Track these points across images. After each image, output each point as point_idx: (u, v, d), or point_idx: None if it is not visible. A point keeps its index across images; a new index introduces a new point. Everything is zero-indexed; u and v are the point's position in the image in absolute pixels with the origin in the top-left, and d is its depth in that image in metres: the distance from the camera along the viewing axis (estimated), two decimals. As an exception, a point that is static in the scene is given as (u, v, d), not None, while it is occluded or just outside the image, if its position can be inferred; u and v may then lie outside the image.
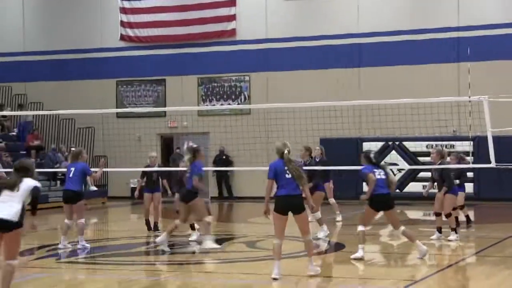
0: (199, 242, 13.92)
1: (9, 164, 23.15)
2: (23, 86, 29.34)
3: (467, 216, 16.04)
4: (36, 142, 26.82)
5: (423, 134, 23.07)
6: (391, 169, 24.21)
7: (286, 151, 10.23)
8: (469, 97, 14.58)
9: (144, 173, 15.96)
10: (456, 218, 15.96)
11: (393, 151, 24.71)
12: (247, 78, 27.09)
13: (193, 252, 13.41)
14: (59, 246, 13.64)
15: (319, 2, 26.32)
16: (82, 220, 13.66)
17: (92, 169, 14.52)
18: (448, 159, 15.01)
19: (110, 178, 27.59)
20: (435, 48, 24.83)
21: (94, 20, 28.70)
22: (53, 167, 24.55)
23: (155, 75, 28.09)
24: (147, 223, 16.03)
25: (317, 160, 17.63)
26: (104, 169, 26.65)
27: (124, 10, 28.39)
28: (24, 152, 26.32)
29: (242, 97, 27.09)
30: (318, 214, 14.58)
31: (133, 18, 28.27)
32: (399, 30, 25.28)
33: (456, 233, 14.15)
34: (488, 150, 14.16)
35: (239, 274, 11.20)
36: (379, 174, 11.97)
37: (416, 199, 23.20)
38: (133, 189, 20.68)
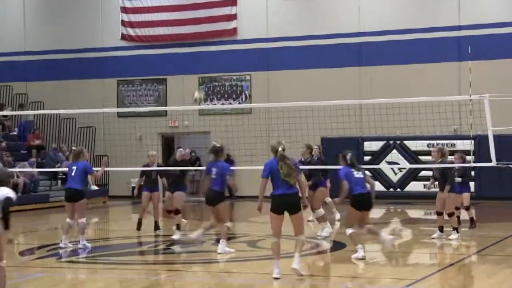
0: (180, 242, 13.95)
1: (10, 164, 23.21)
2: (24, 85, 29.34)
3: (471, 218, 15.97)
4: (37, 142, 26.83)
5: (424, 133, 23.06)
6: (392, 167, 24.29)
7: (280, 149, 10.13)
8: (470, 96, 14.57)
9: (143, 172, 15.89)
10: (458, 217, 15.94)
11: (394, 150, 24.71)
12: (248, 77, 27.08)
13: (174, 252, 13.42)
14: (60, 245, 13.63)
15: (319, 1, 26.31)
16: (83, 220, 13.65)
17: (94, 168, 14.51)
18: (452, 158, 14.97)
19: (111, 178, 27.59)
20: (436, 47, 24.82)
21: (95, 19, 28.70)
22: (54, 167, 24.57)
23: (156, 75, 28.09)
24: (139, 222, 15.82)
25: (316, 158, 17.62)
26: (105, 169, 26.80)
27: (125, 10, 28.39)
28: (25, 151, 26.34)
29: (243, 96, 27.09)
30: (321, 211, 14.55)
31: (134, 18, 28.27)
32: (400, 29, 25.27)
33: (458, 232, 14.13)
34: (489, 149, 14.14)
35: (240, 274, 11.19)
36: (357, 173, 12.02)
37: (417, 198, 23.25)
38: (134, 189, 20.66)
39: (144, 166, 15.98)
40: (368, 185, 12.11)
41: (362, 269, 11.52)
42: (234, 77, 27.23)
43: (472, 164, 15.53)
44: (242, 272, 11.41)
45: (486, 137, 14.25)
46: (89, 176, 15.77)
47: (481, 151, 20.27)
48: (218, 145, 13.01)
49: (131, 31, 28.34)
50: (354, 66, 25.73)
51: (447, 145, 22.82)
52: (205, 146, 28.18)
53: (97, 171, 14.50)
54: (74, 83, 28.71)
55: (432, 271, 11.08)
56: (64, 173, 22.90)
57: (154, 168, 15.82)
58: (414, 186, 24.28)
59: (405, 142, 24.53)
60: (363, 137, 24.88)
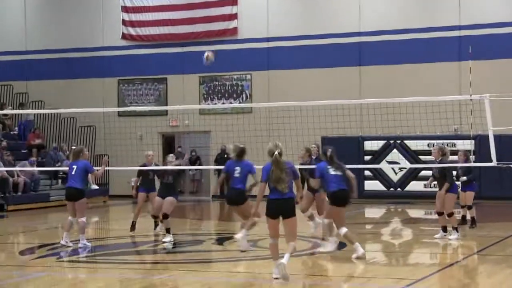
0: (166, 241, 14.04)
1: (11, 163, 23.23)
2: (24, 84, 29.35)
3: (473, 218, 15.96)
4: (38, 141, 26.84)
5: (424, 133, 23.07)
6: (393, 166, 24.30)
7: (276, 152, 9.95)
8: (471, 95, 14.58)
9: (139, 172, 15.77)
10: (463, 216, 15.91)
11: (395, 150, 24.71)
12: (248, 76, 27.08)
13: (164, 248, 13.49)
14: (61, 242, 13.62)
15: (320, 1, 26.31)
16: (83, 219, 13.65)
17: (95, 168, 14.51)
18: (453, 157, 14.97)
19: (112, 177, 27.59)
20: (437, 46, 24.82)
21: (96, 18, 28.70)
22: (54, 166, 24.58)
23: (156, 74, 28.09)
24: (133, 224, 15.58)
25: (314, 157, 17.61)
26: (106, 168, 26.81)
27: (125, 9, 28.39)
28: (26, 150, 26.35)
29: (244, 95, 27.09)
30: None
31: (135, 17, 28.28)
32: (400, 29, 25.27)
33: (457, 232, 14.13)
34: (490, 149, 14.13)
35: (240, 273, 11.19)
36: (334, 171, 12.13)
37: (418, 197, 23.24)
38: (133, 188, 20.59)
39: (141, 166, 15.85)
40: (348, 182, 12.27)
41: (362, 269, 11.51)
42: (235, 77, 27.23)
43: (473, 164, 15.52)
44: (243, 271, 11.41)
45: (487, 137, 14.24)
46: (89, 175, 15.72)
47: (481, 151, 20.27)
48: (241, 145, 12.94)
49: (131, 31, 28.34)
50: (355, 65, 25.73)
51: (447, 144, 22.83)
52: (205, 146, 28.22)
53: (97, 170, 14.48)
54: (75, 82, 28.72)
55: (432, 271, 11.07)
56: (64, 172, 22.90)
57: (152, 167, 15.68)
58: (415, 186, 24.28)
59: (406, 141, 24.53)
60: (364, 136, 24.88)
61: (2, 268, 11.71)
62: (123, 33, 28.42)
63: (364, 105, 22.86)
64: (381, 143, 24.85)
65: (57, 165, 24.95)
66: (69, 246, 13.55)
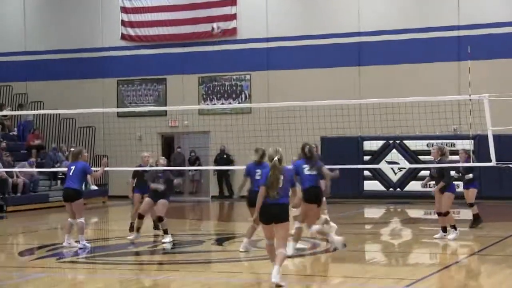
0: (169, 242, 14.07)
1: (10, 164, 23.22)
2: (23, 85, 29.34)
3: (475, 216, 15.93)
4: (37, 142, 26.83)
5: (423, 133, 23.07)
6: (392, 166, 24.30)
7: (276, 158, 9.85)
8: (470, 95, 14.56)
9: (135, 173, 15.70)
10: (477, 214, 15.78)
11: (394, 150, 24.70)
12: (247, 77, 27.08)
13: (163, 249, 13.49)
14: (64, 244, 13.63)
15: (319, 1, 26.31)
16: (82, 219, 13.64)
17: (93, 169, 14.49)
18: (453, 157, 14.94)
19: (111, 178, 27.58)
20: (436, 46, 24.82)
21: (95, 19, 28.69)
22: (53, 167, 24.57)
23: (156, 74, 28.08)
24: (131, 226, 15.42)
25: None
26: (105, 169, 26.77)
27: (125, 9, 28.38)
28: (25, 151, 26.35)
29: (243, 96, 27.09)
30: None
31: (134, 17, 28.27)
32: (399, 29, 25.27)
33: (456, 229, 14.11)
34: (489, 149, 14.13)
35: (240, 274, 11.19)
36: (309, 170, 12.16)
37: (417, 198, 23.22)
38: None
39: (137, 167, 15.78)
40: (324, 180, 12.36)
41: (361, 269, 11.52)
42: (234, 77, 27.23)
43: (472, 164, 15.50)
44: (242, 272, 11.41)
45: (486, 137, 14.24)
46: (88, 176, 15.69)
47: (480, 151, 20.25)
48: (263, 148, 12.94)
49: (131, 31, 28.34)
50: (354, 65, 25.73)
51: (447, 144, 22.84)
52: (204, 146, 28.22)
53: (96, 171, 14.45)
54: (74, 83, 28.71)
55: (432, 271, 11.07)
56: (63, 173, 22.90)
57: (147, 168, 15.57)
58: (414, 186, 24.25)
59: (405, 141, 24.52)
60: (363, 136, 24.87)
61: (2, 269, 11.71)
62: (122, 33, 28.42)
63: (363, 105, 22.85)
64: (380, 143, 24.84)
65: (56, 166, 24.93)
66: (74, 247, 13.55)
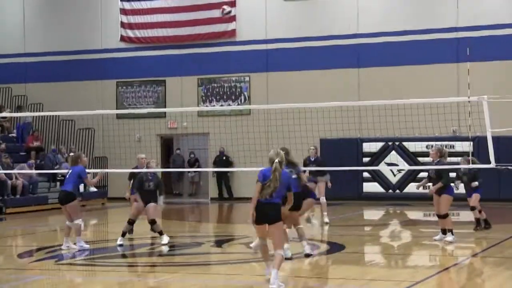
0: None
1: (9, 166, 23.20)
2: (23, 87, 29.33)
3: (477, 219, 15.89)
4: (36, 143, 26.82)
5: (423, 135, 23.07)
6: (391, 168, 24.29)
7: (277, 160, 9.78)
8: (469, 97, 14.55)
9: (131, 175, 15.68)
10: (485, 220, 15.74)
11: (393, 152, 24.70)
12: (247, 78, 27.08)
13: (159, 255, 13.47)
14: (62, 247, 13.63)
15: (319, 2, 26.31)
16: (78, 221, 13.63)
17: (91, 170, 14.47)
18: (452, 159, 14.89)
19: (110, 179, 27.56)
20: (435, 48, 24.82)
21: (95, 21, 28.68)
22: (52, 168, 24.55)
23: (155, 76, 28.08)
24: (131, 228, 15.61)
25: (312, 159, 17.61)
26: (105, 170, 26.76)
27: (124, 11, 28.38)
28: (24, 153, 26.34)
29: (242, 97, 27.09)
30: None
31: (133, 19, 28.26)
32: (398, 30, 25.27)
33: (452, 234, 14.05)
34: (488, 151, 14.12)
35: (239, 275, 11.17)
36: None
37: (416, 199, 23.23)
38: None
39: (134, 168, 15.77)
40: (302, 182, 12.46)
41: (361, 271, 11.51)
42: (233, 79, 27.23)
43: (471, 166, 15.49)
44: (242, 274, 11.39)
45: (485, 138, 14.21)
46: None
47: (480, 153, 20.26)
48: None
49: (130, 33, 28.33)
50: (353, 67, 25.72)
51: (446, 146, 22.83)
52: (204, 148, 28.21)
53: (92, 177, 14.41)
54: (73, 84, 28.70)
55: (432, 273, 11.06)
56: (63, 175, 22.87)
57: (144, 170, 15.51)
58: (413, 188, 24.09)
59: (404, 143, 24.52)
60: (362, 138, 24.87)
61: (1, 271, 11.68)
62: (121, 35, 28.41)
63: (362, 107, 22.86)
64: (379, 144, 24.85)
65: (55, 167, 24.92)
66: (73, 249, 13.54)
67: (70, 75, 28.69)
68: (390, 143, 24.70)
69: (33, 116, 27.75)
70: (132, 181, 15.51)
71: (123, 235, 14.36)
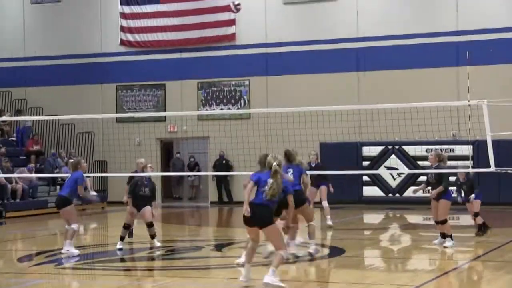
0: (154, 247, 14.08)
1: (9, 170, 23.20)
2: (23, 91, 29.34)
3: (479, 225, 15.81)
4: (36, 147, 26.82)
5: (422, 138, 23.07)
6: (391, 172, 24.29)
7: (275, 164, 9.81)
8: (469, 101, 14.56)
9: (130, 179, 15.65)
10: (483, 223, 15.66)
11: (393, 155, 24.70)
12: (246, 82, 27.09)
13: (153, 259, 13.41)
14: (62, 251, 13.61)
15: (318, 7, 26.32)
16: (74, 226, 13.60)
17: (91, 174, 14.47)
18: (451, 162, 14.85)
19: (110, 183, 27.55)
20: (435, 52, 24.83)
21: (95, 25, 28.70)
22: (52, 172, 24.54)
23: (155, 80, 28.09)
24: (131, 231, 15.59)
25: (313, 165, 17.61)
26: (104, 174, 26.75)
27: (124, 15, 28.39)
28: (24, 157, 26.33)
29: (242, 101, 27.09)
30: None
31: (133, 23, 28.28)
32: (398, 34, 25.28)
33: (452, 239, 14.00)
34: (488, 154, 14.12)
35: (239, 279, 11.16)
36: (291, 174, 12.40)
37: (416, 203, 23.21)
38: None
39: (133, 173, 15.73)
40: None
41: (361, 275, 11.50)
42: (233, 82, 27.24)
43: (471, 170, 15.50)
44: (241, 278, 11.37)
45: (485, 142, 14.22)
46: (87, 183, 15.71)
47: (480, 157, 20.26)
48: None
49: (130, 37, 28.35)
50: (353, 71, 25.73)
51: (446, 150, 22.84)
52: (203, 151, 28.21)
53: (86, 189, 14.37)
54: (73, 88, 28.70)
55: (432, 277, 11.05)
56: (62, 178, 22.89)
57: (143, 174, 15.48)
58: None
59: (404, 147, 24.52)
60: (362, 142, 24.87)
61: (0, 276, 11.68)
62: (121, 39, 28.43)
63: (362, 111, 22.87)
64: (379, 148, 24.84)
65: (55, 171, 24.91)
66: (72, 253, 13.52)
67: (70, 79, 28.69)
68: (390, 147, 24.70)
69: (33, 120, 27.77)
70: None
71: (122, 239, 14.37)
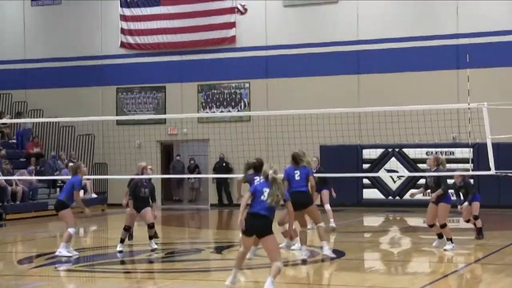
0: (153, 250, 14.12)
1: (9, 172, 23.20)
2: (23, 93, 29.36)
3: (479, 228, 15.81)
4: (36, 150, 26.82)
5: (422, 141, 23.07)
6: (391, 174, 24.29)
7: (271, 172, 9.69)
8: (469, 104, 14.57)
9: (131, 181, 15.62)
10: (480, 227, 15.62)
11: (393, 158, 24.71)
12: (247, 85, 27.10)
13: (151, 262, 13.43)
14: (56, 253, 13.59)
15: (318, 9, 26.34)
16: (70, 229, 13.60)
17: (92, 177, 14.48)
18: (451, 165, 14.84)
19: (110, 186, 27.56)
20: (435, 55, 24.84)
21: (95, 27, 28.72)
22: (52, 175, 24.55)
23: (155, 82, 28.10)
24: (131, 233, 15.59)
25: (314, 171, 17.58)
26: (104, 177, 26.75)
27: (124, 18, 28.41)
28: (24, 159, 26.34)
29: (242, 104, 27.10)
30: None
31: (134, 26, 28.30)
32: (398, 37, 25.29)
33: (452, 242, 13.97)
34: (488, 157, 14.12)
35: (239, 282, 11.15)
36: (298, 176, 12.53)
37: (416, 206, 23.19)
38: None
39: (134, 175, 15.71)
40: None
41: (361, 277, 11.50)
42: (233, 85, 27.25)
43: (471, 173, 15.51)
44: (241, 280, 11.38)
45: (485, 145, 14.23)
46: (87, 185, 15.71)
47: (480, 159, 20.27)
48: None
49: (130, 39, 28.37)
50: (353, 74, 25.74)
51: (446, 153, 22.86)
52: (204, 154, 28.21)
53: (89, 182, 14.39)
54: (74, 90, 28.72)
55: (432, 280, 11.06)
56: (63, 181, 22.90)
57: (144, 176, 15.45)
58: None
59: (404, 150, 24.53)
60: (362, 145, 24.88)
61: (0, 278, 11.68)
62: (121, 41, 28.45)
63: (362, 113, 22.88)
64: (379, 151, 24.86)
65: (55, 174, 24.92)
66: (74, 254, 13.51)
67: (70, 81, 28.71)
68: (390, 150, 24.71)
69: (33, 122, 27.77)
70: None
71: (122, 241, 14.37)
